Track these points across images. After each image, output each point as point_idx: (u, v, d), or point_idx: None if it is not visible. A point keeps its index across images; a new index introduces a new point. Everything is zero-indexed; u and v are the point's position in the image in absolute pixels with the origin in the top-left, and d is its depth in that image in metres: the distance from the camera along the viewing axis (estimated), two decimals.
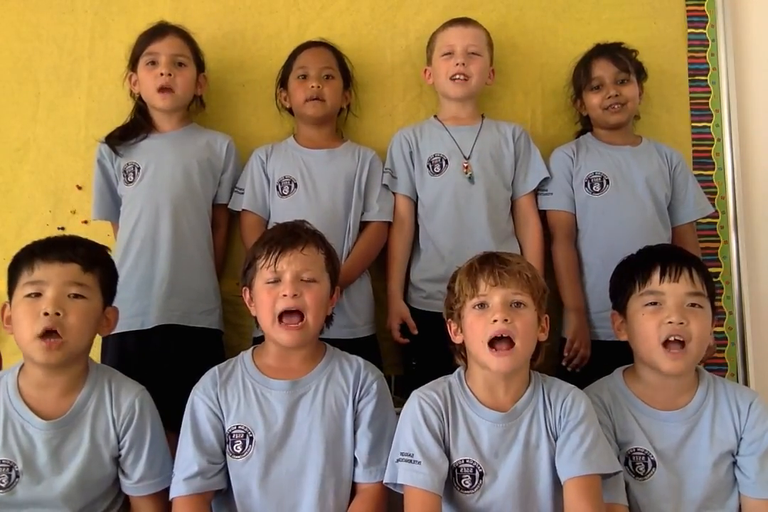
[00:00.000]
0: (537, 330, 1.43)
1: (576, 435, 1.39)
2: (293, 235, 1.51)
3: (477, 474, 1.39)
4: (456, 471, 1.40)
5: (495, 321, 1.37)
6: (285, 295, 1.45)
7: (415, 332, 1.84)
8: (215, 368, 1.53)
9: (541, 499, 1.39)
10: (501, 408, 1.42)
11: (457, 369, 1.50)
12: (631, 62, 1.95)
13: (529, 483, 1.39)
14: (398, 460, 1.39)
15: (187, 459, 1.43)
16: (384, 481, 1.41)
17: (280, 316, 1.46)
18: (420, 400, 1.43)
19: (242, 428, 1.46)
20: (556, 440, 1.41)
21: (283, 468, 1.45)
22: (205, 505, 1.43)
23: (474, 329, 1.40)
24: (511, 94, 2.12)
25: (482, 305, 1.41)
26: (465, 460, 1.40)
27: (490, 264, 1.43)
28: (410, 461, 1.37)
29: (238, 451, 1.45)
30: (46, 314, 1.36)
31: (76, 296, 1.40)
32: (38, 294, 1.38)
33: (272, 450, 1.45)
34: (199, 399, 1.48)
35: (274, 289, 1.47)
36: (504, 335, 1.37)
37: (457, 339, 1.47)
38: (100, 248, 1.52)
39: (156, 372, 1.69)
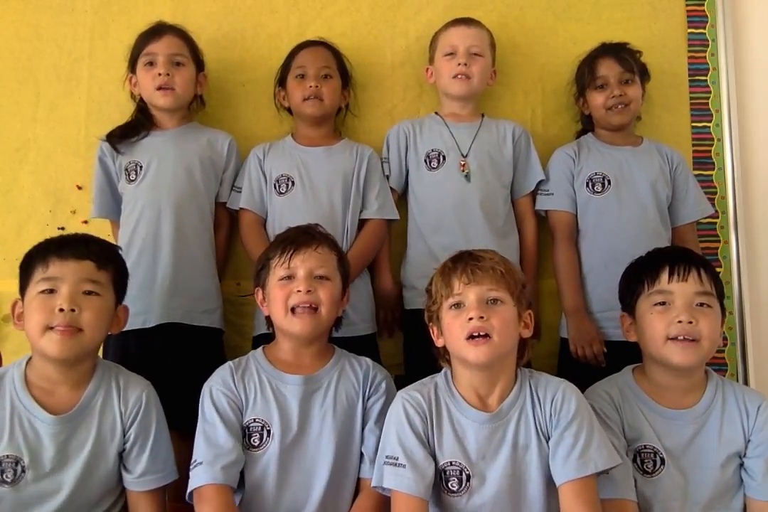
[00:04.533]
0: (518, 326, 1.40)
1: (569, 434, 1.36)
2: (308, 235, 1.55)
3: (464, 476, 1.36)
4: (443, 473, 1.37)
5: (470, 319, 1.35)
6: (299, 291, 1.47)
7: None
8: (229, 363, 1.54)
9: (531, 500, 1.37)
10: (487, 408, 1.40)
11: (444, 369, 1.48)
12: (635, 63, 1.95)
13: (519, 484, 1.37)
14: (384, 463, 1.37)
15: (225, 446, 1.41)
16: (372, 485, 1.40)
17: (293, 309, 1.48)
18: (404, 402, 1.41)
19: (260, 421, 1.47)
20: (547, 439, 1.38)
21: (299, 461, 1.46)
22: (233, 499, 1.41)
23: (451, 330, 1.38)
24: (511, 94, 2.12)
25: (458, 305, 1.39)
26: (451, 463, 1.37)
27: (462, 262, 1.41)
28: (395, 464, 1.35)
29: (255, 444, 1.46)
30: (61, 310, 1.36)
31: (90, 293, 1.41)
32: (52, 291, 1.38)
33: (288, 443, 1.46)
34: (220, 392, 1.48)
35: (287, 285, 1.49)
36: (481, 333, 1.34)
37: (439, 343, 1.45)
38: (113, 247, 1.54)
39: (157, 371, 1.68)
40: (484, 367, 1.38)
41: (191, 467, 1.42)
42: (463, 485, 1.36)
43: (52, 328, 1.36)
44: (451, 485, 1.37)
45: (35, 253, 1.44)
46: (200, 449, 1.43)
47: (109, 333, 1.50)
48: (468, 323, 1.35)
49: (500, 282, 1.38)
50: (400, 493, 1.33)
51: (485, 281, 1.38)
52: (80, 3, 2.09)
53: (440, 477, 1.37)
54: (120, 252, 1.55)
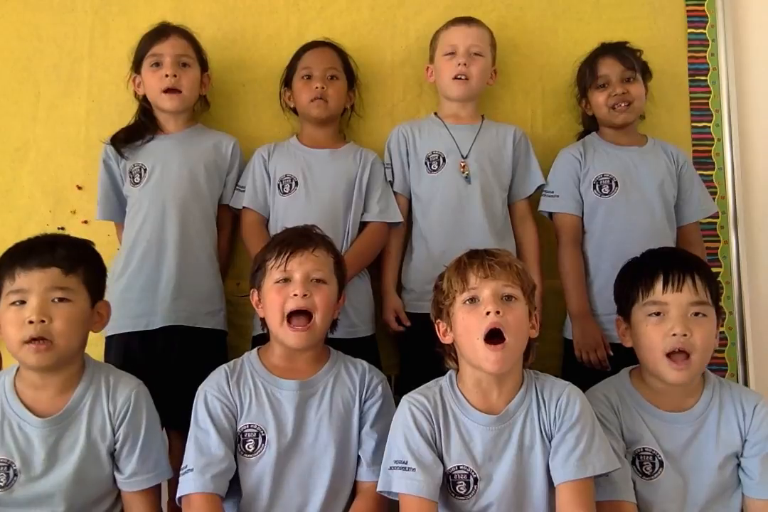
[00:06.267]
0: (528, 326, 1.40)
1: (572, 436, 1.36)
2: (304, 237, 1.53)
3: (471, 479, 1.36)
4: (450, 477, 1.37)
5: (488, 313, 1.34)
6: (295, 295, 1.46)
7: (407, 323, 1.86)
8: (224, 367, 1.53)
9: (536, 500, 1.37)
10: (493, 410, 1.40)
11: (449, 372, 1.47)
12: (636, 61, 1.94)
13: (524, 484, 1.37)
14: (391, 468, 1.36)
15: (217, 454, 1.41)
16: (377, 490, 1.39)
17: (289, 317, 1.47)
18: (410, 406, 1.41)
19: (255, 427, 1.46)
20: (550, 440, 1.38)
21: (296, 467, 1.45)
22: (222, 508, 1.41)
23: (466, 325, 1.37)
24: (511, 94, 2.12)
25: (473, 299, 1.38)
26: (458, 466, 1.37)
27: (479, 257, 1.41)
28: (404, 468, 1.34)
29: (250, 450, 1.45)
30: (30, 322, 1.35)
31: (61, 300, 1.39)
32: (23, 302, 1.38)
33: (284, 449, 1.45)
34: (214, 397, 1.47)
35: (283, 289, 1.48)
36: (497, 327, 1.34)
37: (446, 340, 1.44)
38: (82, 245, 1.50)
39: (160, 373, 1.69)
40: (497, 374, 1.38)
41: (181, 472, 1.42)
42: (471, 488, 1.37)
43: (27, 342, 1.36)
44: (459, 489, 1.37)
45: (3, 262, 1.42)
46: (191, 455, 1.43)
47: (95, 332, 1.49)
48: (486, 318, 1.34)
49: (515, 280, 1.39)
50: (411, 497, 1.33)
51: (502, 277, 1.38)
52: (80, 3, 2.09)
53: (447, 480, 1.37)
54: (92, 246, 1.52)
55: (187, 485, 1.40)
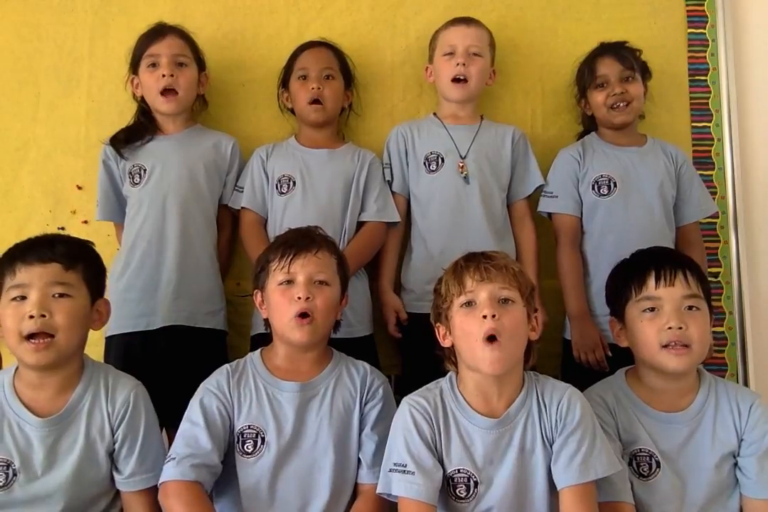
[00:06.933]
0: (527, 329, 1.40)
1: (573, 440, 1.36)
2: (308, 239, 1.53)
3: (472, 483, 1.36)
4: (450, 480, 1.36)
5: (484, 317, 1.34)
6: (299, 298, 1.46)
7: (405, 323, 1.87)
8: (227, 366, 1.53)
9: (536, 503, 1.37)
10: (494, 413, 1.39)
11: (449, 373, 1.46)
12: (635, 61, 1.94)
13: (525, 488, 1.37)
14: (391, 470, 1.36)
15: (203, 448, 1.40)
16: (377, 491, 1.38)
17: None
18: (410, 408, 1.40)
19: (254, 428, 1.46)
20: (551, 444, 1.38)
21: (295, 468, 1.45)
22: (205, 495, 1.39)
23: (464, 329, 1.37)
24: (511, 94, 2.12)
25: (470, 303, 1.38)
26: (459, 470, 1.36)
27: (475, 260, 1.41)
28: (404, 471, 1.34)
29: (249, 451, 1.45)
30: (31, 317, 1.36)
31: (61, 295, 1.40)
32: (23, 297, 1.38)
33: (283, 450, 1.45)
34: (211, 394, 1.47)
35: (287, 291, 1.48)
36: (493, 334, 1.33)
37: (446, 343, 1.44)
38: (81, 243, 1.51)
39: (160, 373, 1.70)
40: (496, 377, 1.37)
41: (164, 463, 1.42)
42: (471, 491, 1.36)
43: (26, 338, 1.36)
44: (459, 492, 1.37)
45: (3, 259, 1.43)
46: (176, 446, 1.43)
47: (95, 329, 1.49)
48: (483, 322, 1.34)
49: (512, 282, 1.38)
50: (410, 500, 1.32)
51: (498, 279, 1.37)
52: (80, 3, 2.10)
53: (447, 484, 1.37)
54: (92, 246, 1.52)
55: (166, 473, 1.39)
